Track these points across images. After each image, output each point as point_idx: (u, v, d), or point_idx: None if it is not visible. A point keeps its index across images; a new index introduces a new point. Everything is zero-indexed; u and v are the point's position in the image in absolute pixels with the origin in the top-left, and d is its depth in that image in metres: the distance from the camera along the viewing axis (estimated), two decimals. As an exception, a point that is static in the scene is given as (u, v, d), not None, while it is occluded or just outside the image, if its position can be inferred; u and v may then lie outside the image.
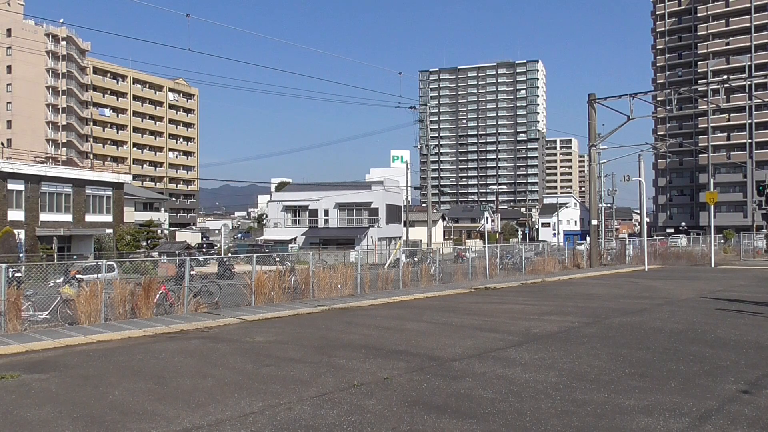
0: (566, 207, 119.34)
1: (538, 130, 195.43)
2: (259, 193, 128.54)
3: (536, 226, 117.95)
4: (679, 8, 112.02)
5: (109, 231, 42.79)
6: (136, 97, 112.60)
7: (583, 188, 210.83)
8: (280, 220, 67.68)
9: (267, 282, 15.48)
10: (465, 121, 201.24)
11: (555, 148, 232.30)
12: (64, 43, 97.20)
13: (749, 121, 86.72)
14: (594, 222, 32.37)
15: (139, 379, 6.80)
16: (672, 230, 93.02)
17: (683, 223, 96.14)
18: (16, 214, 36.68)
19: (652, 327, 10.39)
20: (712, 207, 30.31)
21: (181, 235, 77.94)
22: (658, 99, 57.43)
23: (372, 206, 64.46)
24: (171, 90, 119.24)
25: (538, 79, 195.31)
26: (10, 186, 36.45)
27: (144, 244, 44.51)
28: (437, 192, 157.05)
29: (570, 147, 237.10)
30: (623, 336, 9.49)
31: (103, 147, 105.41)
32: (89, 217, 42.07)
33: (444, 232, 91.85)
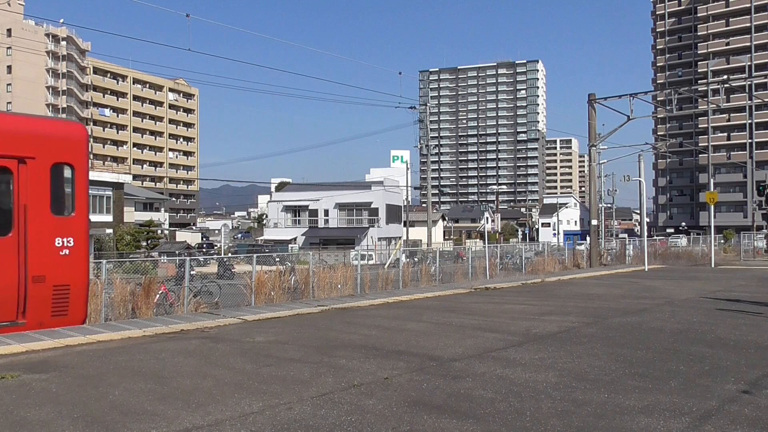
0: (566, 207, 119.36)
1: (538, 130, 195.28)
2: (259, 193, 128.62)
3: (536, 226, 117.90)
4: (679, 8, 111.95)
5: (109, 231, 42.84)
6: (136, 97, 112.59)
7: (583, 188, 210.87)
8: (280, 220, 67.70)
9: (267, 282, 15.49)
10: (465, 121, 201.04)
11: (555, 148, 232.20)
12: (64, 43, 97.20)
13: (749, 121, 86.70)
14: (594, 222, 32.38)
15: (139, 379, 6.80)
16: (672, 230, 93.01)
17: (683, 223, 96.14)
18: (16, 214, 36.61)
19: (652, 327, 10.39)
20: (712, 207, 30.31)
21: (181, 235, 77.99)
22: (658, 99, 57.44)
23: (372, 206, 64.47)
24: (171, 90, 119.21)
25: (538, 79, 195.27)
26: (10, 186, 36.39)
27: (144, 244, 44.55)
28: (437, 192, 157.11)
29: (570, 147, 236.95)
30: (623, 336, 9.49)
31: (103, 147, 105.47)
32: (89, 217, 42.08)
33: (444, 232, 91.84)
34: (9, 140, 9.37)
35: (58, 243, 9.86)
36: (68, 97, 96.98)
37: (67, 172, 10.10)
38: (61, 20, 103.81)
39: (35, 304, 9.58)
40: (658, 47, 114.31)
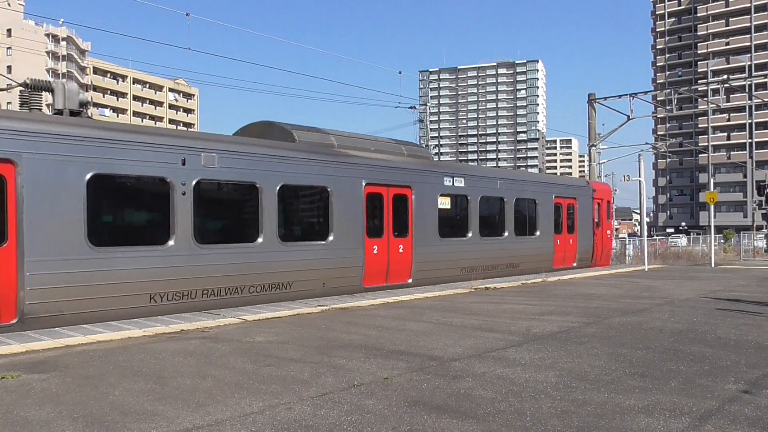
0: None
1: (538, 130, 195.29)
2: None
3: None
4: (679, 8, 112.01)
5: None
6: (136, 97, 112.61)
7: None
8: (280, 220, 67.53)
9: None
10: (465, 121, 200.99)
11: (555, 148, 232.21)
12: (64, 43, 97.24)
13: (749, 121, 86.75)
14: (594, 222, 32.37)
15: (139, 379, 6.81)
16: (672, 230, 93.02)
17: (683, 223, 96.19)
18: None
19: (652, 327, 10.39)
20: (712, 207, 30.29)
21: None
22: (658, 99, 57.46)
23: (372, 206, 64.33)
24: (171, 90, 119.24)
25: (538, 79, 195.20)
26: (10, 186, 36.41)
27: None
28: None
29: (570, 147, 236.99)
30: (623, 336, 9.50)
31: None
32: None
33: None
34: (594, 193, 23.23)
35: (608, 233, 24.47)
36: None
37: (605, 205, 23.74)
38: (61, 20, 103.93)
39: (597, 257, 23.75)
40: (658, 47, 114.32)
